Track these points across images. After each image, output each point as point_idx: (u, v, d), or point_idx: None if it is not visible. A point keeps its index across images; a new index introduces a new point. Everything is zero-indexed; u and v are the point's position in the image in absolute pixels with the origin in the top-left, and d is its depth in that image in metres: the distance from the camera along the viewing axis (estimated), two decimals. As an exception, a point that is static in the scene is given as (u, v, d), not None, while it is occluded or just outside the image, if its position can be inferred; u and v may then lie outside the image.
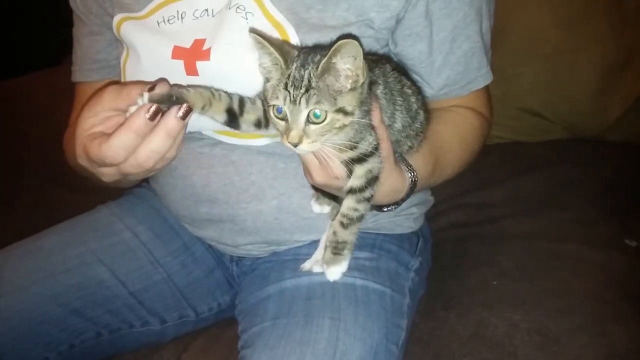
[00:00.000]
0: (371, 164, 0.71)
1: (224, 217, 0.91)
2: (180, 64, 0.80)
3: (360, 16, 0.79)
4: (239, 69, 0.78)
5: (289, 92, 0.65)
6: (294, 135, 0.65)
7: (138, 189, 1.09)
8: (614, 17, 1.38)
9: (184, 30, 0.82)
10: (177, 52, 0.81)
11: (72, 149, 0.92)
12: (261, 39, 0.66)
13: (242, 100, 0.73)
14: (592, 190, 1.28)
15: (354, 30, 0.80)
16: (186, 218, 0.97)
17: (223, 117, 0.73)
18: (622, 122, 1.43)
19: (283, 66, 0.66)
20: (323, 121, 0.65)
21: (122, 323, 0.96)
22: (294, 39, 0.78)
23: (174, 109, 0.66)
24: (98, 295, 0.93)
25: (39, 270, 0.91)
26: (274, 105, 0.67)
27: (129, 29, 0.85)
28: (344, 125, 0.66)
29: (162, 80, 0.70)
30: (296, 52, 0.68)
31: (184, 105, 0.66)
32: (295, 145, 0.66)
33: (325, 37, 0.78)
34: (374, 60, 0.77)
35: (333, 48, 0.62)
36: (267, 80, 0.69)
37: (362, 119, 0.68)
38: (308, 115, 0.65)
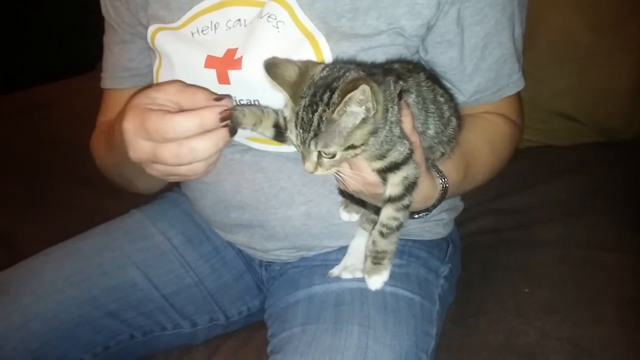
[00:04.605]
0: (406, 171, 0.70)
1: (254, 222, 0.92)
2: (212, 72, 0.82)
3: (391, 24, 0.79)
4: None
5: (299, 132, 0.66)
6: (309, 166, 0.68)
7: (170, 193, 1.11)
8: (649, 20, 1.35)
9: (217, 40, 0.83)
10: (210, 61, 0.82)
11: (102, 147, 0.95)
12: (270, 78, 0.67)
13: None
14: (626, 196, 1.25)
15: (384, 39, 0.80)
16: (217, 223, 0.98)
17: (271, 132, 0.75)
18: (657, 125, 1.40)
19: (292, 105, 0.67)
20: (333, 157, 0.67)
21: (155, 325, 0.98)
22: (325, 48, 0.78)
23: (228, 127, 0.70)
24: (132, 298, 0.95)
25: (77, 273, 0.93)
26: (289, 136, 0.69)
27: (163, 39, 0.87)
28: (357, 154, 0.67)
29: (228, 96, 0.73)
30: (307, 84, 0.67)
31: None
32: (312, 172, 0.68)
33: (355, 46, 0.79)
34: (409, 70, 0.77)
35: (344, 100, 0.62)
36: (285, 104, 0.70)
37: (390, 132, 0.68)
38: (320, 152, 0.67)
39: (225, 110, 0.69)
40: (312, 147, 0.66)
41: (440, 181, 0.79)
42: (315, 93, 0.65)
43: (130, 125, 0.71)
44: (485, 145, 0.88)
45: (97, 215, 1.10)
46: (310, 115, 0.65)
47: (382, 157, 0.69)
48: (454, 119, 0.80)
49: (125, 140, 0.72)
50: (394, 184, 0.71)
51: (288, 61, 0.69)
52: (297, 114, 0.66)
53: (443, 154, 0.80)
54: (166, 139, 0.68)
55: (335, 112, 0.63)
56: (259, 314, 1.02)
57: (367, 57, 0.79)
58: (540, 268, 1.07)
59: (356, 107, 0.63)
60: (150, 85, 0.76)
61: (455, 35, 0.82)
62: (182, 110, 0.72)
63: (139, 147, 0.71)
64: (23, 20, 2.70)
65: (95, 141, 1.01)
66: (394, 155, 0.69)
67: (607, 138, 1.45)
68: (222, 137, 0.70)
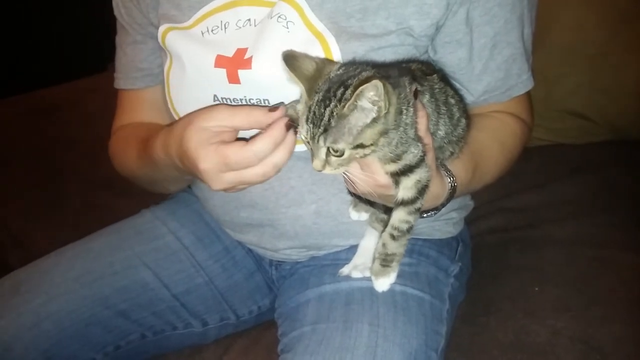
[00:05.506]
0: (419, 174, 0.70)
1: (264, 221, 0.92)
2: (222, 72, 0.82)
3: (400, 24, 0.79)
4: (279, 77, 0.79)
5: (309, 127, 0.67)
6: (317, 163, 0.68)
7: (181, 193, 1.12)
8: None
9: (227, 40, 0.83)
10: (220, 61, 0.82)
11: (131, 157, 0.95)
12: (289, 70, 0.68)
13: None
14: (636, 194, 1.25)
15: (393, 39, 0.80)
16: (227, 223, 0.99)
17: None
18: (669, 123, 1.39)
19: (307, 99, 0.67)
20: (342, 155, 0.67)
21: (166, 325, 0.98)
22: (334, 48, 0.79)
23: (292, 129, 0.71)
24: (143, 298, 0.96)
25: (88, 273, 0.94)
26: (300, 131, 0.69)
27: (174, 38, 0.87)
28: (366, 155, 0.68)
29: (280, 104, 0.74)
30: (323, 80, 0.68)
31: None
32: (320, 170, 0.69)
33: (365, 46, 0.79)
34: (423, 71, 0.77)
35: (355, 93, 0.62)
36: (300, 98, 0.70)
37: (405, 134, 0.68)
38: (328, 149, 0.67)
39: (288, 119, 0.71)
40: (321, 142, 0.66)
41: (449, 180, 0.79)
42: (329, 89, 0.66)
43: (209, 166, 0.73)
44: (494, 144, 0.88)
45: (111, 215, 1.10)
46: (322, 110, 0.65)
47: (396, 159, 0.69)
48: (463, 120, 0.80)
49: (206, 179, 0.74)
50: (407, 188, 0.71)
51: (306, 56, 0.70)
52: (310, 108, 0.66)
53: (452, 153, 0.80)
54: (250, 165, 0.72)
55: (346, 106, 0.63)
56: (269, 313, 1.03)
57: (376, 57, 0.79)
58: (550, 267, 1.06)
59: (367, 103, 0.63)
60: (189, 117, 0.76)
61: (464, 35, 0.82)
62: (238, 131, 0.75)
63: (224, 180, 0.74)
64: (34, 22, 2.72)
65: (117, 148, 1.02)
66: (408, 158, 0.69)
67: (619, 136, 1.44)
68: (293, 142, 0.72)
